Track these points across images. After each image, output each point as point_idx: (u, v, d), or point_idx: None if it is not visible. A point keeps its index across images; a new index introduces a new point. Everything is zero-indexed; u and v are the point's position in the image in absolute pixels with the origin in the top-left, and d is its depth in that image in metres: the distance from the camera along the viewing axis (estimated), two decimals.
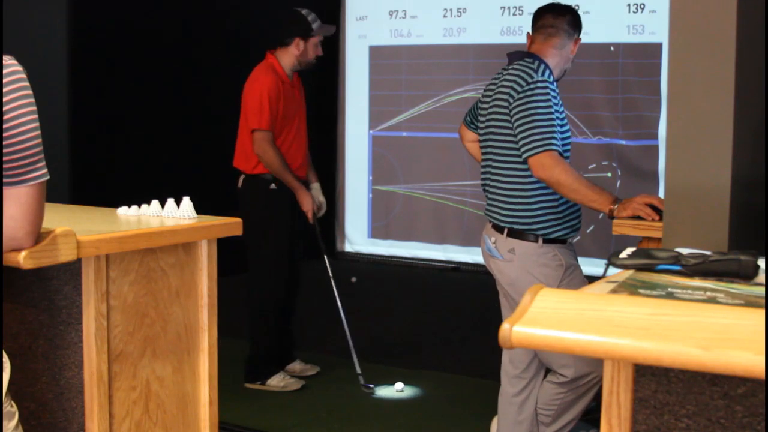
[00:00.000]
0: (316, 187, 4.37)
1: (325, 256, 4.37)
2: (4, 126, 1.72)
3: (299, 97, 4.24)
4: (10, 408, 1.83)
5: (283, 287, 4.18)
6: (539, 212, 2.93)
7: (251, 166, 4.12)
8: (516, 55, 3.03)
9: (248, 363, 4.17)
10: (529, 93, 2.85)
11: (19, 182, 1.77)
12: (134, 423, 2.22)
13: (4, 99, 1.73)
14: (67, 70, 5.55)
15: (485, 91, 3.10)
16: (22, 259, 1.84)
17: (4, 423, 1.79)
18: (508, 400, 3.09)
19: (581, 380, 2.92)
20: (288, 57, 4.13)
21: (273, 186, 4.10)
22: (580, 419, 3.06)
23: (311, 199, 4.16)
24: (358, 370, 4.15)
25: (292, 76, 4.19)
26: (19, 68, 1.77)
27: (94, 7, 5.64)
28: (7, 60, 1.76)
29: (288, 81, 4.14)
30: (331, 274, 4.36)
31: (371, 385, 4.11)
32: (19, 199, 1.78)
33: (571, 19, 3.07)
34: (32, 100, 1.77)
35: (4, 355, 1.83)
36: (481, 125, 3.10)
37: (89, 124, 5.68)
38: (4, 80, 1.73)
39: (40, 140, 1.79)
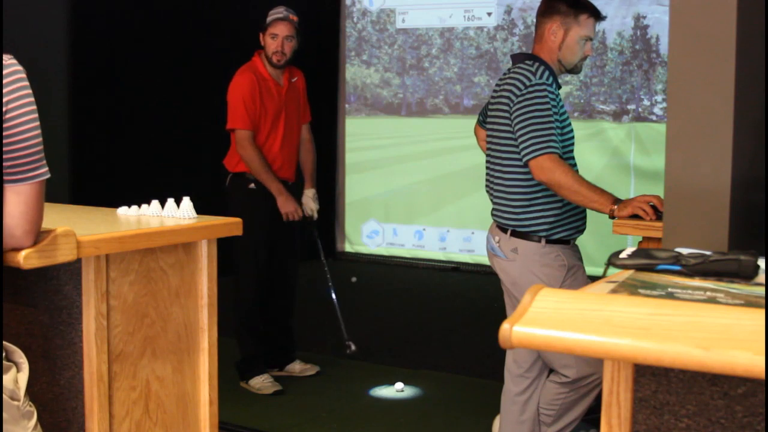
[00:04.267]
0: (308, 193, 4.34)
1: (323, 259, 4.39)
2: (6, 125, 1.73)
3: (287, 96, 4.15)
4: (29, 408, 1.83)
5: (261, 287, 4.15)
6: (542, 213, 2.93)
7: (233, 165, 4.12)
8: (518, 57, 3.03)
9: (237, 362, 4.18)
10: (528, 96, 2.85)
11: (19, 180, 1.78)
12: (134, 423, 2.22)
13: (5, 99, 1.73)
14: (67, 70, 5.55)
15: (492, 92, 3.11)
16: (23, 259, 1.84)
17: (24, 422, 1.80)
18: (511, 399, 3.09)
19: (583, 381, 2.92)
20: (265, 54, 4.12)
21: (252, 185, 4.06)
22: (581, 419, 3.06)
23: (291, 203, 4.06)
24: (343, 328, 4.38)
25: (281, 74, 4.13)
26: (19, 68, 1.78)
27: (94, 7, 5.64)
28: (7, 60, 1.77)
29: (270, 79, 4.08)
30: (329, 276, 4.41)
31: (352, 345, 4.29)
32: (18, 197, 1.78)
33: (562, 2, 2.99)
34: (32, 99, 1.78)
35: (23, 355, 1.85)
36: (487, 126, 3.10)
37: (89, 124, 5.68)
38: (6, 80, 1.74)
39: (40, 139, 1.80)
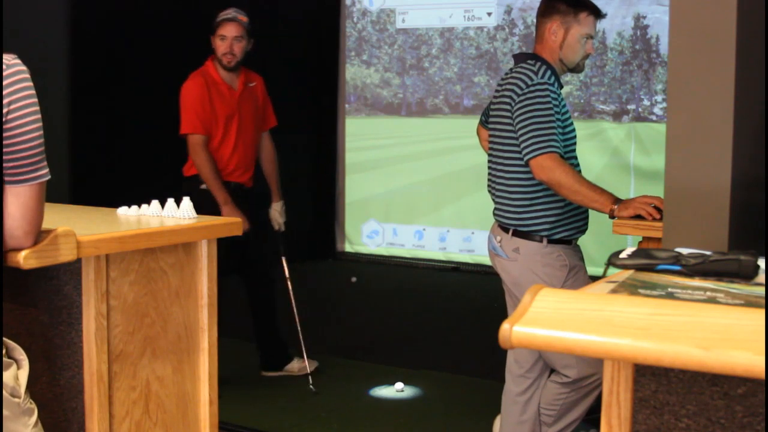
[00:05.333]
0: (276, 207, 4.29)
1: (283, 258, 4.30)
2: (8, 125, 1.74)
3: (241, 100, 4.08)
4: (29, 405, 1.84)
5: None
6: (543, 213, 2.93)
7: (186, 169, 4.10)
8: (520, 56, 3.03)
9: None
10: (529, 95, 2.85)
11: (20, 181, 1.78)
12: (134, 423, 2.22)
13: (9, 99, 1.74)
14: (67, 69, 5.55)
15: (495, 92, 3.11)
16: (23, 259, 1.84)
17: (24, 419, 1.81)
18: (512, 399, 3.09)
19: (584, 381, 2.91)
20: (216, 58, 4.06)
21: (203, 186, 3.98)
22: (582, 419, 3.06)
23: (236, 213, 3.86)
24: (308, 370, 4.16)
25: (235, 77, 4.06)
26: (23, 68, 1.79)
27: (94, 7, 5.64)
28: (11, 60, 1.77)
29: (222, 83, 4.03)
30: (288, 276, 4.29)
31: (314, 389, 4.09)
32: (19, 197, 1.79)
33: (561, 1, 2.98)
34: (35, 100, 1.79)
35: (23, 352, 1.85)
36: (489, 126, 3.10)
37: (89, 124, 5.68)
38: (10, 80, 1.75)
39: (42, 140, 1.81)
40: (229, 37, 4.00)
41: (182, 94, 4.03)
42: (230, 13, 4.04)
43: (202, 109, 3.98)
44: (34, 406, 1.86)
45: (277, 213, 4.30)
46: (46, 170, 1.83)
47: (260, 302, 4.24)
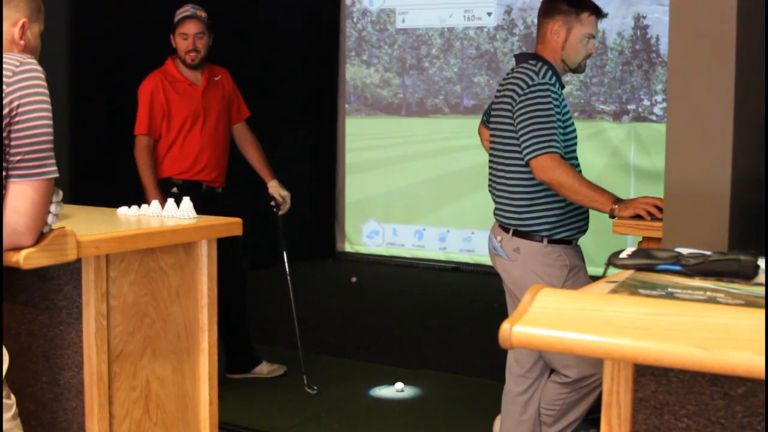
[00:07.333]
0: (272, 184, 4.18)
1: (284, 254, 4.25)
2: (17, 119, 1.78)
3: (206, 96, 4.02)
4: (7, 401, 1.84)
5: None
6: (544, 213, 2.93)
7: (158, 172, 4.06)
8: (522, 57, 3.04)
9: None
10: (530, 95, 2.85)
11: (26, 175, 1.81)
12: (134, 423, 2.22)
13: (19, 93, 1.80)
14: (67, 70, 5.55)
15: (496, 92, 3.11)
16: (22, 259, 1.84)
17: None
18: (512, 399, 3.09)
19: (584, 381, 2.91)
20: (179, 56, 4.02)
21: (174, 189, 3.93)
22: (582, 419, 3.06)
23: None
24: (303, 369, 4.12)
25: (198, 74, 4.00)
26: (38, 67, 1.86)
27: (94, 7, 5.64)
28: (26, 59, 1.84)
29: (184, 80, 3.98)
30: (288, 272, 4.26)
31: (315, 387, 4.07)
32: (24, 193, 1.82)
33: (563, 1, 2.98)
34: (46, 98, 1.86)
35: (4, 349, 1.85)
36: (490, 126, 3.11)
37: (89, 124, 5.67)
38: (21, 76, 1.81)
39: (50, 138, 1.87)
40: (191, 34, 3.95)
41: (138, 93, 3.98)
42: (189, 9, 3.98)
43: (152, 110, 3.93)
44: (12, 401, 1.86)
45: (276, 188, 4.16)
46: (54, 168, 1.87)
47: (231, 306, 4.02)
